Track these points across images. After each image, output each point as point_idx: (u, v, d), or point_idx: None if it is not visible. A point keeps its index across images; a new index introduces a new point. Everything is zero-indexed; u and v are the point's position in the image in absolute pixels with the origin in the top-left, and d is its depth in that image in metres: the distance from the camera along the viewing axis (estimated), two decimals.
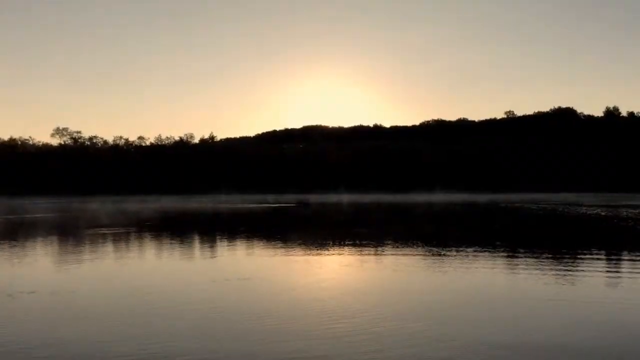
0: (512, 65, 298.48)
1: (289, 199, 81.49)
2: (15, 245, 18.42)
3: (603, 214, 36.09)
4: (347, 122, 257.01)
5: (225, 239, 21.35)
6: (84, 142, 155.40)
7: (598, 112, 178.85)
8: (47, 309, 8.53)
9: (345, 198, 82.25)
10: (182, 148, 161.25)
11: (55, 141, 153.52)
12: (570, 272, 11.63)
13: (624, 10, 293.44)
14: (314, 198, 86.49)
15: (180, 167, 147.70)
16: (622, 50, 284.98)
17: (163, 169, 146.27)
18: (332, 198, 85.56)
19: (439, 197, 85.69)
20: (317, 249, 16.81)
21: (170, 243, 19.33)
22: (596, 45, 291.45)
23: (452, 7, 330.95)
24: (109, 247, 17.74)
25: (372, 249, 16.70)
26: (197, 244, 19.49)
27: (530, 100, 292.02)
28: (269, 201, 71.95)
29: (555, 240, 19.80)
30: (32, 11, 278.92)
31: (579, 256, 14.55)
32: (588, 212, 37.79)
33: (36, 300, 9.17)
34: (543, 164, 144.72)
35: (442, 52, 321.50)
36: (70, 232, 23.88)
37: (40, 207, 57.20)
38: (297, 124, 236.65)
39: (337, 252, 16.09)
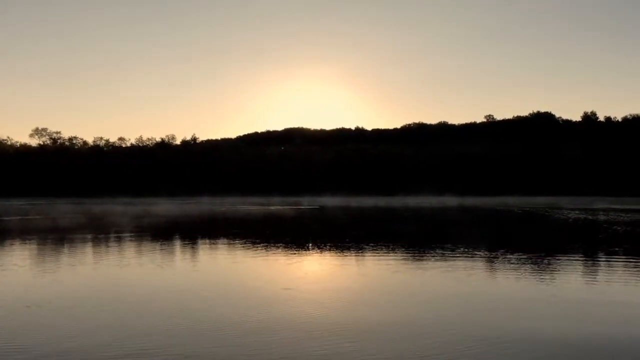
0: (492, 70, 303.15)
1: (285, 202, 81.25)
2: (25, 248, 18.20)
3: (591, 217, 36.97)
4: (329, 125, 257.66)
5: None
6: (64, 143, 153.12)
7: (576, 116, 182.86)
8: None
9: (334, 201, 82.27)
10: (163, 149, 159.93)
11: (34, 142, 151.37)
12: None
13: (601, 16, 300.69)
14: (305, 201, 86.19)
15: (161, 169, 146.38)
16: (600, 55, 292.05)
17: (144, 171, 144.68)
18: (322, 201, 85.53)
19: (430, 201, 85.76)
20: (362, 255, 16.74)
21: (217, 248, 19.33)
22: (574, 51, 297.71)
23: (433, 13, 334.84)
24: (140, 253, 17.20)
25: (416, 254, 16.73)
26: (245, 250, 18.95)
27: (509, 104, 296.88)
28: (263, 203, 71.75)
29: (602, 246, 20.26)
30: (10, 11, 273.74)
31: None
32: (579, 216, 38.67)
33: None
34: (522, 168, 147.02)
35: (423, 56, 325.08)
36: (97, 236, 23.63)
37: (27, 208, 56.20)
38: (279, 126, 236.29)
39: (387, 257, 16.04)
